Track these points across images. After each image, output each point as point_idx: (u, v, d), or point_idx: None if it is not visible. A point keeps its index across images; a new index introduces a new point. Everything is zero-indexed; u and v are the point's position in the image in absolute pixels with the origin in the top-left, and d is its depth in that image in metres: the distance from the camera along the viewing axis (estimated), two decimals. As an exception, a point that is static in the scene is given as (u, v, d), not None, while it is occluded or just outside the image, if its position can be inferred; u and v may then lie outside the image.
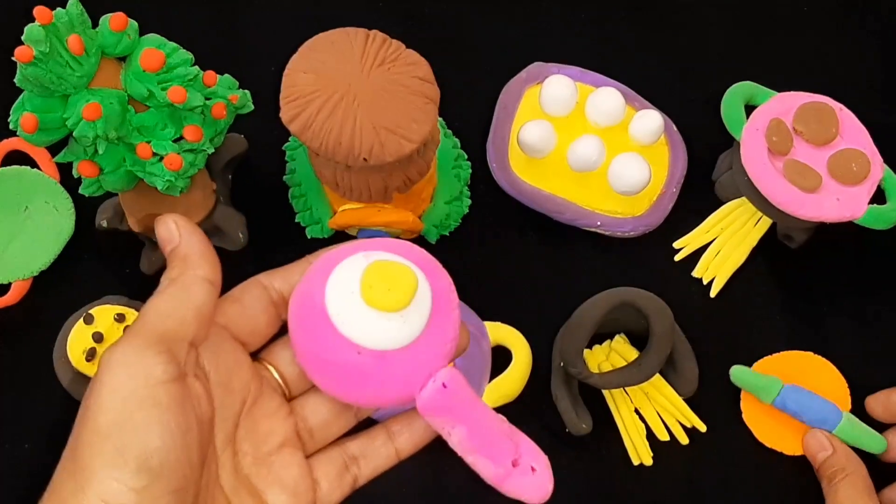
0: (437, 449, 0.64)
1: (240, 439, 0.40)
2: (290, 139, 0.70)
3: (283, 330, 0.41)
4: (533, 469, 0.40)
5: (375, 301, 0.37)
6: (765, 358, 0.65)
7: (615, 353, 0.65)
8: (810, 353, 0.66)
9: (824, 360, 0.65)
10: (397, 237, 0.67)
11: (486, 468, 0.40)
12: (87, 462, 0.35)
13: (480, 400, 0.40)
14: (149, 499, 0.34)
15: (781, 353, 0.66)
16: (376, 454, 0.42)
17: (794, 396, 0.62)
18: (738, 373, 0.64)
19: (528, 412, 0.65)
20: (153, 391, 0.35)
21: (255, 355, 0.42)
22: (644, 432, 0.64)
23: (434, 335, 0.39)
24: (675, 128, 0.71)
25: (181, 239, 0.39)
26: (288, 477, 0.40)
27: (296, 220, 0.68)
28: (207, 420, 0.38)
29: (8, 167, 0.69)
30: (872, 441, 0.62)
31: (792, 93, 0.67)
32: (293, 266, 0.42)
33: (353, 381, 0.39)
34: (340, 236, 0.68)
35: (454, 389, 0.39)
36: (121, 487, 0.34)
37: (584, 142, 0.66)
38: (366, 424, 0.44)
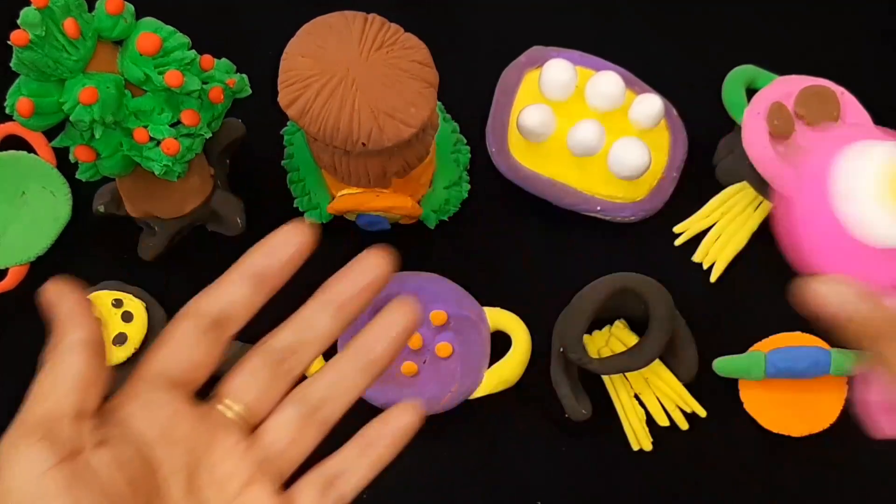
0: (437, 442, 0.64)
1: (200, 488, 0.38)
2: (288, 124, 0.69)
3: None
4: None
5: None
6: (763, 340, 0.65)
7: (615, 339, 0.65)
8: (808, 335, 0.65)
9: (822, 342, 0.65)
10: (396, 223, 0.67)
11: None
12: None
13: None
14: None
15: (780, 334, 0.66)
16: (356, 467, 0.40)
17: (780, 357, 0.62)
18: (721, 364, 0.64)
19: (527, 398, 0.65)
20: (38, 484, 0.34)
21: (210, 388, 0.40)
22: (644, 418, 0.64)
23: None
24: (675, 112, 0.70)
25: (52, 304, 0.38)
26: None
27: (294, 205, 0.67)
28: (126, 484, 0.36)
29: (4, 152, 0.69)
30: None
31: (793, 76, 0.66)
32: (222, 280, 0.39)
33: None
34: (339, 222, 0.67)
35: None
36: None
37: (584, 126, 0.66)
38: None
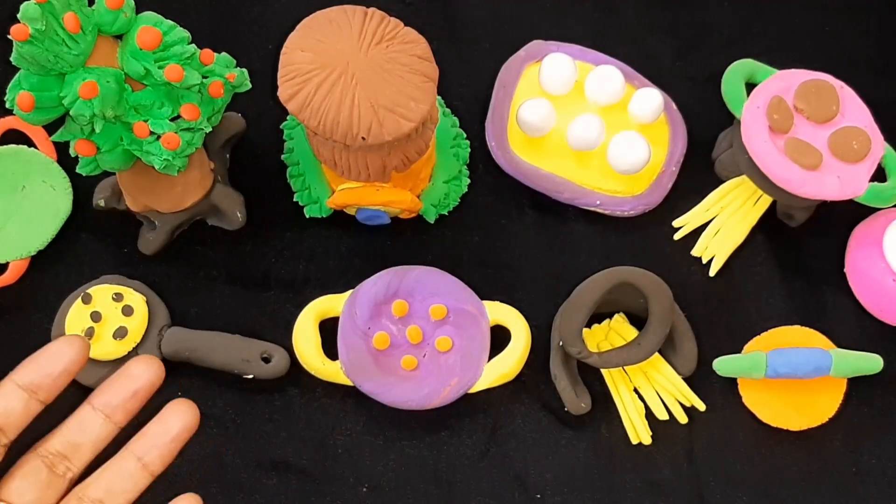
0: (437, 435, 0.64)
1: None
2: (288, 118, 0.69)
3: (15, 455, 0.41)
4: None
5: None
6: (762, 334, 0.65)
7: (614, 333, 0.65)
8: (808, 329, 0.65)
9: (822, 335, 0.65)
10: (396, 217, 0.67)
11: None
12: None
13: None
14: None
15: (779, 328, 0.66)
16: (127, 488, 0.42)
17: (781, 360, 0.62)
18: (721, 364, 0.64)
19: (526, 391, 0.65)
20: None
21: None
22: (643, 411, 0.64)
23: None
24: (674, 106, 0.70)
25: None
26: None
27: (294, 200, 0.68)
28: None
29: (5, 146, 0.69)
30: (869, 364, 0.63)
31: (793, 70, 0.66)
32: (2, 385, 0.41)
33: None
34: (339, 216, 0.67)
35: None
36: None
37: (584, 120, 0.66)
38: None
